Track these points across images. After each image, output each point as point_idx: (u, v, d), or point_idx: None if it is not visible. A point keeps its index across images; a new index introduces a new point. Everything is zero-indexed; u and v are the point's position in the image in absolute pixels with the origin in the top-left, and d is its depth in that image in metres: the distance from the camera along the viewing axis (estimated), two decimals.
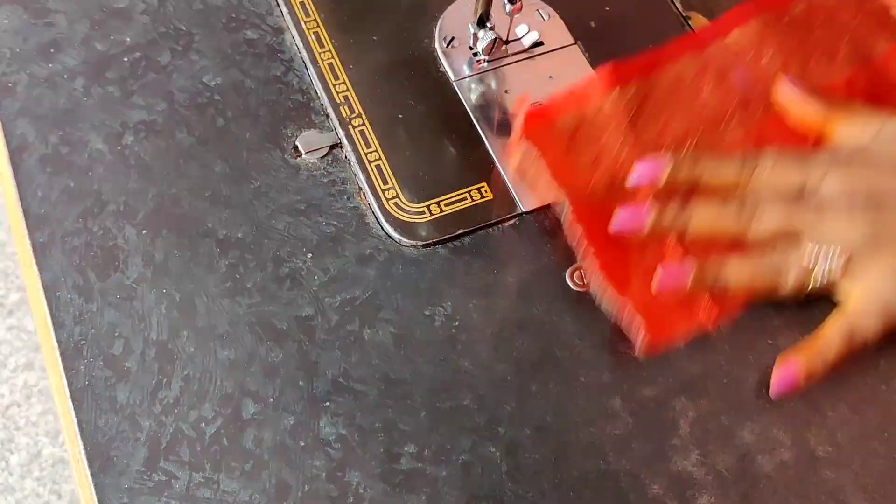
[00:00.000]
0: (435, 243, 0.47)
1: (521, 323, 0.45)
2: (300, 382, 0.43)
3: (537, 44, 0.52)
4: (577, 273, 0.46)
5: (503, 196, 0.48)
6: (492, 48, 0.50)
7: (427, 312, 0.45)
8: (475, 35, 0.50)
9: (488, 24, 0.49)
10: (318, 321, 0.44)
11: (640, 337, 0.44)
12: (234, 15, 0.53)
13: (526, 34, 0.52)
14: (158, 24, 0.53)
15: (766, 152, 0.47)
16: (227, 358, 0.43)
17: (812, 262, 0.44)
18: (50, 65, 0.51)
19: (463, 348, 0.44)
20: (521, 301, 0.46)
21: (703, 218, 0.46)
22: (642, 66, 0.50)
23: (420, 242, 0.47)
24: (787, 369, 0.44)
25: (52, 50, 0.51)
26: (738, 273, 0.45)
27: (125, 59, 0.51)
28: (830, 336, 0.44)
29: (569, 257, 0.47)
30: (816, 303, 0.46)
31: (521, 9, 0.49)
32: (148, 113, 0.50)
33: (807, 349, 0.44)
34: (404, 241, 0.47)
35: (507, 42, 0.51)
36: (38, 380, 1.32)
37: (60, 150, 0.48)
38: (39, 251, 0.46)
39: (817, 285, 0.45)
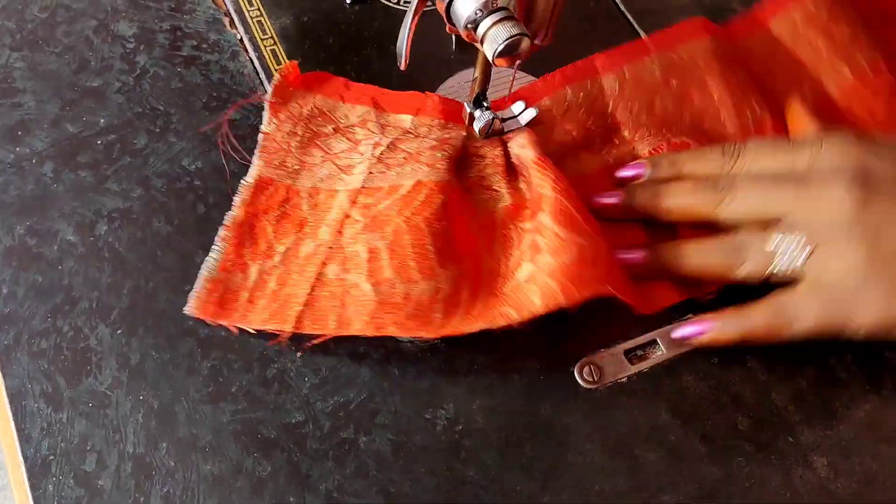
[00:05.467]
0: (434, 338, 0.44)
1: (530, 425, 0.42)
2: (291, 498, 0.39)
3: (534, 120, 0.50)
4: (586, 368, 0.43)
5: None
6: (489, 128, 0.47)
7: (427, 416, 0.42)
8: (472, 115, 0.47)
9: (485, 104, 0.47)
10: (309, 428, 0.41)
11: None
12: (214, 94, 0.50)
13: (522, 111, 0.49)
14: (134, 104, 0.50)
15: (751, 140, 0.47)
16: (211, 472, 0.40)
17: (775, 247, 0.42)
18: (17, 148, 0.48)
19: (468, 455, 0.41)
20: (528, 401, 0.43)
21: (676, 194, 0.45)
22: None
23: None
24: (700, 324, 0.43)
25: (19, 132, 0.48)
26: (694, 255, 0.44)
27: (98, 142, 0.48)
28: (757, 309, 0.42)
29: (577, 351, 0.44)
30: (839, 397, 0.44)
31: (515, 100, 0.48)
32: (123, 200, 0.46)
33: (728, 314, 0.43)
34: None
35: (504, 120, 0.49)
36: None
37: (27, 242, 0.45)
38: (3, 355, 0.42)
39: (777, 272, 0.42)
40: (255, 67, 0.52)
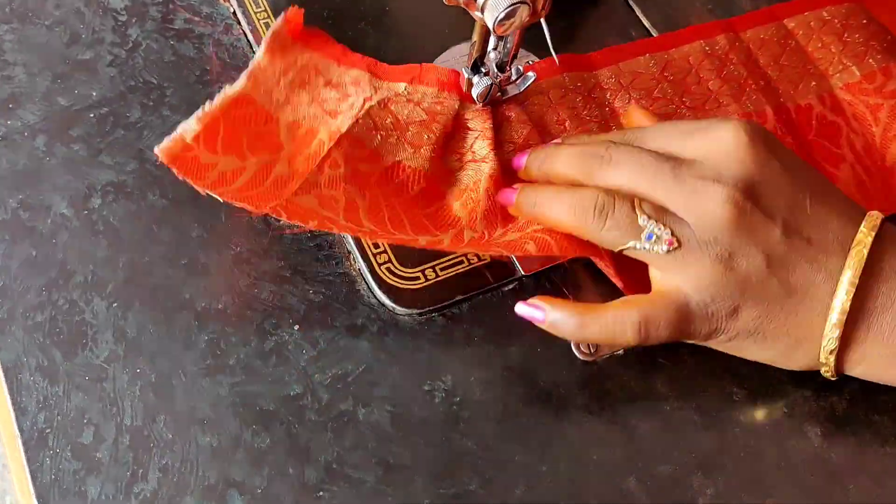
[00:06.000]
0: (432, 311, 0.44)
1: (527, 397, 0.42)
2: (290, 470, 0.39)
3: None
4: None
5: (501, 259, 0.45)
6: (487, 94, 0.47)
7: (426, 388, 0.42)
8: (469, 81, 0.47)
9: (483, 70, 0.47)
10: (307, 400, 0.41)
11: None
12: (208, 67, 0.50)
13: (519, 77, 0.49)
14: (127, 77, 0.49)
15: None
16: (210, 444, 0.40)
17: (644, 224, 0.40)
18: (8, 122, 0.47)
19: (466, 427, 0.41)
20: (525, 373, 0.43)
21: (565, 157, 0.43)
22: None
23: (416, 310, 0.44)
24: (537, 309, 0.41)
25: (10, 105, 0.48)
26: (557, 200, 0.41)
27: (91, 115, 0.48)
28: (602, 318, 0.40)
29: None
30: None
31: (509, 78, 0.47)
32: (117, 173, 0.46)
33: (571, 310, 0.40)
34: (398, 309, 0.44)
35: (501, 88, 0.49)
36: None
37: (20, 216, 0.44)
38: None
39: (632, 250, 0.40)
40: (248, 41, 0.51)
